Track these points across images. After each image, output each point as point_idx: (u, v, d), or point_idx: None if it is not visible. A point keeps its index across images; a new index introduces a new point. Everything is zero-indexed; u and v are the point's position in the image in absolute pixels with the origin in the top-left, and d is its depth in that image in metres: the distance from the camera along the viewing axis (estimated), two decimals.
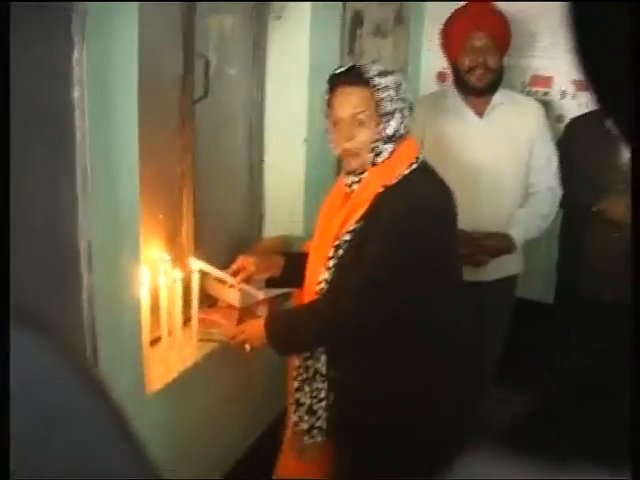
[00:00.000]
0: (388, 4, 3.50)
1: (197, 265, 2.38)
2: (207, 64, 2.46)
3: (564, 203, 3.09)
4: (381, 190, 1.99)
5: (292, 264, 2.33)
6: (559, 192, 2.96)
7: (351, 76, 1.97)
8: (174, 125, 2.41)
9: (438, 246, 2.01)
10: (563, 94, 3.81)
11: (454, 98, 2.94)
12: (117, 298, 1.95)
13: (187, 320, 2.42)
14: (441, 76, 4.03)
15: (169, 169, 2.42)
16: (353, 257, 2.00)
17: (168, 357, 2.32)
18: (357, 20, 3.18)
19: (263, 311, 2.65)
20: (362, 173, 2.03)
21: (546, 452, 0.46)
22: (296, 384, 2.18)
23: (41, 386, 0.52)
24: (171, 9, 2.31)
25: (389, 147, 1.99)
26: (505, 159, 2.85)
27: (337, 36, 3.05)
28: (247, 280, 2.43)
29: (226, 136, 2.79)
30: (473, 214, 2.71)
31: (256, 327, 2.14)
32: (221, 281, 2.58)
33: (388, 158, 2.00)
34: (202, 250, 2.59)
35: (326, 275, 2.06)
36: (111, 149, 1.83)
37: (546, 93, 3.73)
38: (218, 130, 2.71)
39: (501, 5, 2.98)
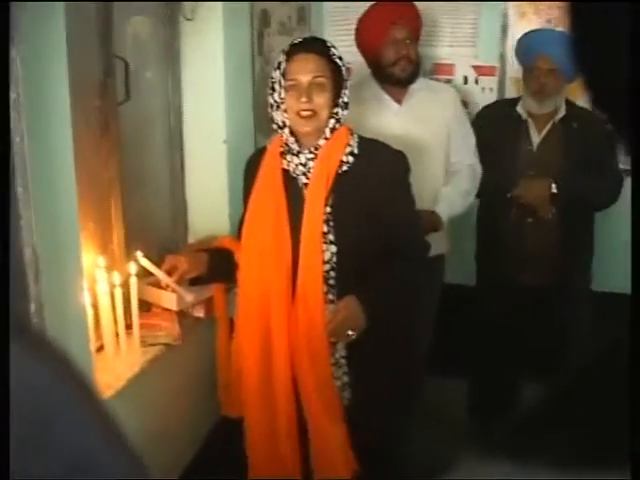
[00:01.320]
0: (291, 2, 3.54)
1: (144, 262, 2.33)
2: (127, 67, 2.43)
3: (479, 190, 3.13)
4: (345, 157, 2.13)
5: (216, 260, 2.34)
6: (479, 169, 3.07)
7: (310, 45, 2.11)
8: (98, 130, 2.37)
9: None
10: (465, 80, 3.95)
11: (372, 88, 3.01)
12: (64, 308, 1.91)
13: (126, 327, 2.38)
14: (347, 72, 4.09)
15: (96, 175, 2.38)
16: (365, 217, 2.12)
17: (113, 364, 2.27)
18: (264, 19, 3.21)
19: (200, 311, 2.65)
20: (315, 149, 2.13)
21: (544, 454, 0.46)
22: None
23: (37, 395, 0.52)
24: (87, 10, 2.27)
25: (344, 114, 2.13)
26: (426, 142, 2.94)
27: (248, 36, 3.07)
28: (182, 279, 2.42)
29: (147, 141, 2.76)
30: None
31: (350, 304, 2.10)
32: (155, 285, 2.56)
33: (337, 130, 2.13)
34: (134, 257, 2.54)
35: (332, 249, 2.12)
36: (48, 154, 1.79)
37: (449, 80, 3.83)
38: (139, 135, 2.68)
39: None
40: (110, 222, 2.45)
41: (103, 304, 2.23)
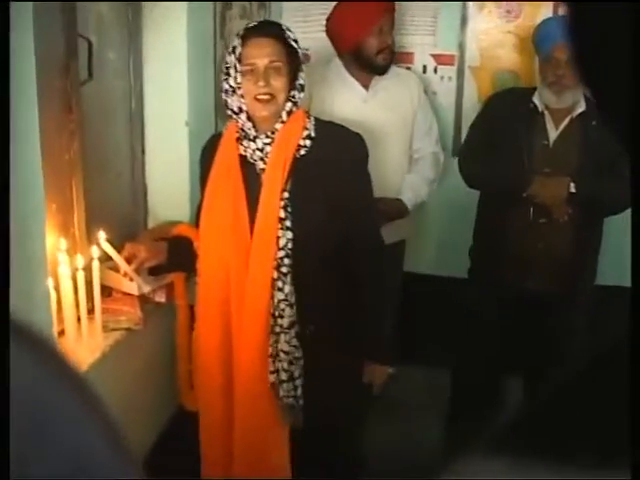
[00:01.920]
0: None
1: (105, 246, 2.30)
2: (90, 46, 2.38)
3: (485, 186, 3.02)
4: (302, 140, 2.12)
5: (176, 249, 2.33)
6: (442, 157, 3.10)
7: (265, 29, 2.09)
8: (60, 111, 2.32)
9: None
10: (424, 69, 3.97)
11: (341, 71, 3.04)
12: (29, 292, 1.87)
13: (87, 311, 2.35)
14: (304, 57, 4.08)
15: (58, 157, 2.33)
16: (323, 202, 2.11)
17: (74, 349, 2.23)
18: (226, 3, 3.18)
19: (161, 297, 2.63)
20: (272, 134, 2.11)
21: (545, 452, 0.46)
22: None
23: (35, 395, 0.52)
24: None
25: (301, 97, 2.13)
26: (390, 127, 2.98)
27: (211, 18, 3.04)
28: (140, 267, 2.40)
29: (107, 122, 2.72)
30: None
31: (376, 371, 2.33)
32: (116, 270, 2.52)
33: (294, 113, 2.12)
34: (95, 240, 2.50)
35: (288, 234, 2.10)
36: (14, 134, 1.75)
37: (409, 68, 3.84)
38: (100, 116, 2.63)
39: None
40: (71, 204, 2.40)
41: (65, 288, 2.19)
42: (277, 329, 2.14)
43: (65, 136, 2.34)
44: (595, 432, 0.47)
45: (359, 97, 3.02)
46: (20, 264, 1.79)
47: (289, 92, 2.09)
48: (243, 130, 2.14)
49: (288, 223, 2.10)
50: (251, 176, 2.15)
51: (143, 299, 2.55)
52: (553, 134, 2.91)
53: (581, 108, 2.88)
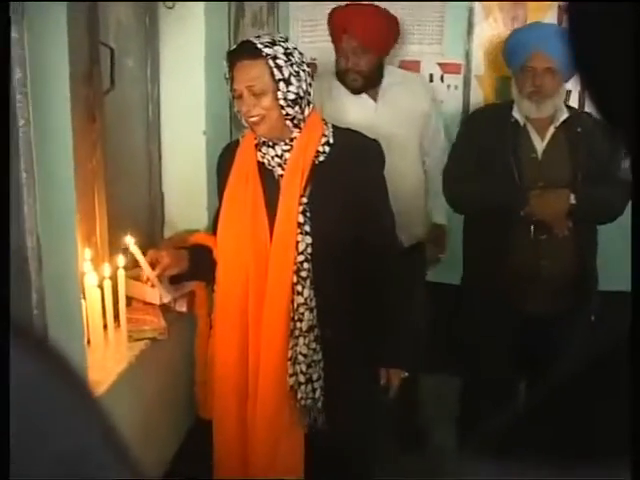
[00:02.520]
0: None
1: (133, 249, 2.26)
2: (112, 54, 2.36)
3: (475, 208, 2.90)
4: (321, 147, 2.13)
5: (197, 258, 2.30)
6: None
7: (245, 51, 2.07)
8: (82, 119, 2.29)
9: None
10: (431, 78, 3.96)
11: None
12: (62, 301, 1.84)
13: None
14: (309, 66, 4.08)
15: (81, 166, 2.30)
16: (341, 207, 2.12)
17: (101, 359, 2.21)
18: (240, 10, 3.17)
19: (183, 306, 2.61)
20: (291, 140, 2.12)
21: (540, 453, 0.47)
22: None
23: (34, 394, 0.51)
24: None
25: (298, 110, 2.09)
26: (403, 136, 2.97)
27: (226, 26, 3.03)
28: (163, 274, 2.37)
29: (125, 131, 2.70)
30: None
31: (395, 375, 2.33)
32: (136, 279, 2.50)
33: (307, 123, 2.12)
34: (123, 246, 2.48)
35: (307, 239, 2.11)
36: (49, 140, 1.73)
37: None
38: (118, 124, 2.61)
39: None
40: (94, 213, 2.38)
41: (91, 297, 2.16)
42: (296, 332, 2.16)
43: (88, 145, 2.32)
44: (591, 434, 0.47)
45: (368, 108, 3.02)
46: (54, 272, 1.76)
47: (281, 108, 2.07)
48: (259, 137, 2.16)
49: (307, 228, 2.11)
50: (269, 182, 2.16)
51: (164, 309, 2.53)
52: (540, 146, 2.82)
53: (564, 115, 2.81)
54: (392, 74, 3.09)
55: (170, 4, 2.69)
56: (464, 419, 3.23)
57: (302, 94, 2.08)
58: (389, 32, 3.07)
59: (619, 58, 0.42)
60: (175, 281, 2.40)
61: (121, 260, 2.29)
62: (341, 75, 2.99)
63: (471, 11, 3.90)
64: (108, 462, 0.54)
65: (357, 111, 2.99)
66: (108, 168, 2.49)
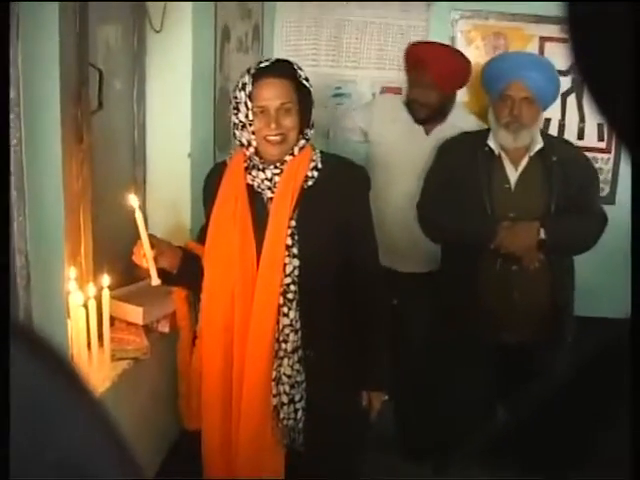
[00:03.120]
0: (248, 19, 3.56)
1: (138, 218, 2.15)
2: (101, 76, 2.39)
3: (448, 238, 2.93)
4: (310, 172, 2.15)
5: (188, 261, 2.26)
6: None
7: (278, 69, 2.08)
8: (69, 138, 2.31)
9: None
10: None
11: (404, 112, 3.20)
12: (49, 318, 1.86)
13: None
14: None
15: (67, 185, 2.31)
16: (328, 230, 2.15)
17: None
18: (225, 35, 3.21)
19: (165, 326, 2.62)
20: (281, 164, 2.13)
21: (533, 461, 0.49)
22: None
23: (33, 393, 0.52)
24: (64, 16, 2.22)
25: (312, 134, 2.16)
26: None
27: (212, 50, 3.06)
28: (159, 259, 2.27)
29: (110, 152, 2.71)
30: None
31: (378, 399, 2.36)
32: (120, 299, 2.53)
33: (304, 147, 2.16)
34: (100, 271, 2.49)
35: (295, 262, 2.12)
36: (40, 159, 1.75)
37: None
38: (104, 146, 2.62)
39: None
40: (79, 233, 2.39)
41: (76, 316, 2.17)
42: (281, 353, 2.17)
43: (75, 165, 2.34)
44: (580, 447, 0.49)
45: (418, 138, 3.17)
46: (41, 290, 1.77)
47: (301, 130, 2.12)
48: (251, 160, 2.16)
49: (295, 250, 2.13)
50: (258, 205, 2.18)
51: (147, 329, 2.54)
52: (513, 176, 2.80)
53: (539, 145, 2.79)
54: (457, 116, 3.22)
55: (158, 28, 2.71)
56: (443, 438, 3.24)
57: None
58: (461, 72, 3.20)
59: (619, 59, 0.43)
60: (164, 281, 2.32)
61: (106, 280, 2.29)
62: (409, 103, 3.17)
63: (453, 40, 3.98)
64: (112, 462, 0.54)
65: (406, 136, 3.19)
66: (99, 187, 2.51)
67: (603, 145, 3.99)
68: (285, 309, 2.15)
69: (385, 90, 4.04)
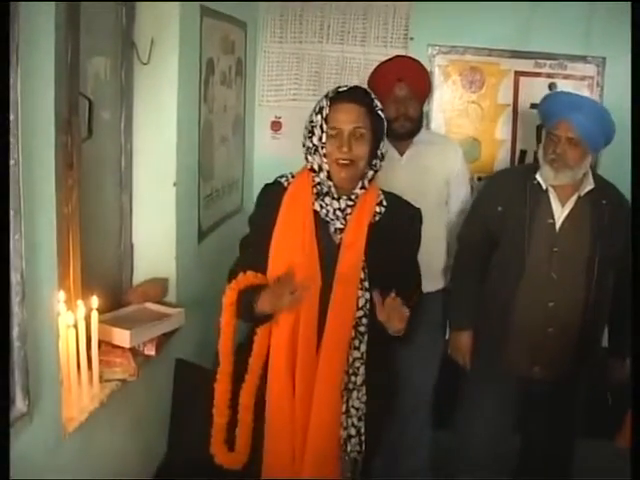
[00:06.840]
0: (231, 53, 3.66)
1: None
2: (90, 105, 2.46)
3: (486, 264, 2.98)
4: (378, 207, 2.22)
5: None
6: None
7: (354, 95, 2.14)
8: (59, 165, 2.37)
9: None
10: None
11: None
12: (41, 337, 1.90)
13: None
14: (275, 125, 4.25)
15: (57, 210, 2.37)
16: (391, 266, 2.18)
17: (74, 399, 2.25)
18: (210, 68, 3.30)
19: (151, 350, 2.67)
20: (354, 196, 2.18)
21: None
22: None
23: None
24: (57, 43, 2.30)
25: (381, 166, 2.20)
26: (425, 194, 2.97)
27: (197, 83, 3.15)
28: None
29: (98, 181, 2.78)
30: None
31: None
32: (107, 323, 2.58)
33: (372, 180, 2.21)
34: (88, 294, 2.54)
35: (367, 295, 2.17)
36: (33, 182, 1.80)
37: None
38: (92, 174, 2.69)
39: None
40: (68, 257, 2.44)
41: (65, 338, 2.21)
42: (350, 386, 2.21)
43: (64, 190, 2.39)
44: None
45: (394, 162, 3.09)
46: (35, 308, 1.83)
47: (370, 159, 2.16)
48: (321, 186, 2.19)
49: (366, 284, 2.17)
50: (324, 233, 2.19)
51: (133, 352, 2.59)
52: (559, 213, 2.82)
53: (589, 186, 2.80)
54: (423, 134, 3.24)
55: (145, 60, 2.80)
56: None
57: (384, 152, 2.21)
58: (429, 82, 3.33)
59: None
60: (260, 322, 2.21)
61: (95, 301, 2.34)
62: (394, 120, 3.06)
63: (430, 74, 4.09)
64: None
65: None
66: (86, 214, 2.57)
67: None
68: (356, 342, 2.18)
69: None
